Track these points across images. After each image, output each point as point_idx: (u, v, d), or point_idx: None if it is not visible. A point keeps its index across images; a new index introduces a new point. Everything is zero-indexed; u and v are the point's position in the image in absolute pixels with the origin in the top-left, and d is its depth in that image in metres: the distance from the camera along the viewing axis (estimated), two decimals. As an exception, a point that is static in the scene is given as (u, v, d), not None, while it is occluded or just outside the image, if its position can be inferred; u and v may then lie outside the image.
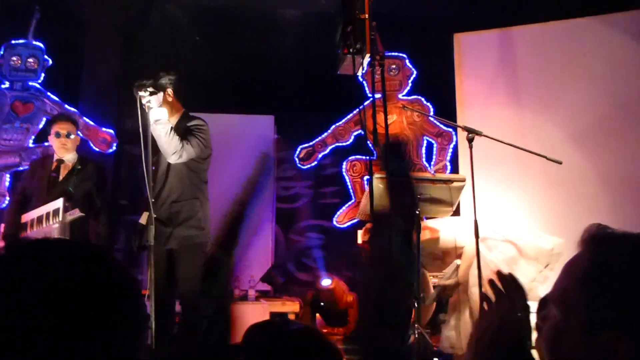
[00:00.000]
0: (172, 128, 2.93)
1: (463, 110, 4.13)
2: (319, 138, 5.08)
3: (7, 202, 4.58)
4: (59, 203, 2.97)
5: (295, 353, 1.25)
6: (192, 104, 3.47)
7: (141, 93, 2.90)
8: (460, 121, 3.95)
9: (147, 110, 2.91)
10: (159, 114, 2.92)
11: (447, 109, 4.25)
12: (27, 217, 3.18)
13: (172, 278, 2.97)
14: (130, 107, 3.19)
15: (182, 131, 3.01)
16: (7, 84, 4.82)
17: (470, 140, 3.08)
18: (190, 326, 2.97)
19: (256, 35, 5.14)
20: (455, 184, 3.05)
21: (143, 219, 2.91)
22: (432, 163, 4.63)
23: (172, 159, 2.94)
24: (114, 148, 4.77)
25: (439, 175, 3.27)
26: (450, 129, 4.67)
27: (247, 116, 5.38)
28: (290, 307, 4.55)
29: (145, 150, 2.88)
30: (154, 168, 2.98)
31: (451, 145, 4.66)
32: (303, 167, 5.15)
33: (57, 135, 3.31)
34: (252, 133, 5.46)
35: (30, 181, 3.34)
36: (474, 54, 4.21)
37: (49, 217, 3.03)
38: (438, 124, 4.71)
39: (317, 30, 4.73)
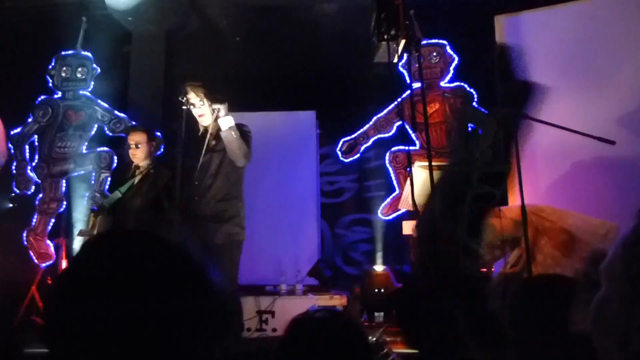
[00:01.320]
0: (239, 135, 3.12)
1: (506, 94, 4.00)
2: (361, 130, 5.06)
3: (64, 207, 4.81)
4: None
5: (334, 346, 1.26)
6: (234, 103, 3.57)
7: (215, 106, 3.09)
8: (503, 105, 3.83)
9: (216, 118, 3.22)
10: (229, 121, 3.17)
11: (492, 95, 4.13)
12: None
13: None
14: (174, 111, 3.35)
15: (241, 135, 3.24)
16: (59, 94, 5.07)
17: (515, 124, 2.98)
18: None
19: (295, 32, 5.17)
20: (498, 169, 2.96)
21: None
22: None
23: (242, 163, 3.17)
24: (161, 150, 4.93)
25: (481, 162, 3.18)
26: (494, 116, 4.53)
27: (289, 113, 5.42)
28: (337, 301, 4.57)
29: (180, 150, 3.11)
30: (202, 168, 3.21)
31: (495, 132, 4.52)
32: (346, 160, 5.14)
33: (129, 146, 3.69)
34: (294, 130, 5.50)
35: (117, 185, 3.69)
36: (516, 36, 4.07)
37: None
38: (482, 110, 4.59)
39: (354, 22, 4.71)
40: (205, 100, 3.26)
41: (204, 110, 3.28)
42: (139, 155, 3.68)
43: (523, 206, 2.79)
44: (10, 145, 4.99)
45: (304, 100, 5.35)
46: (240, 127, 3.29)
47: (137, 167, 3.70)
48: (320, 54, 5.10)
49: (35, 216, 4.82)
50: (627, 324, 0.71)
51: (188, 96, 3.21)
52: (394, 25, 2.27)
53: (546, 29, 3.96)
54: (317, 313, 1.46)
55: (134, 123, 4.76)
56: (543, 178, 3.71)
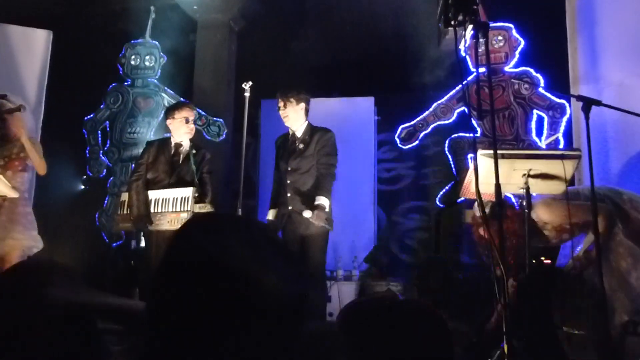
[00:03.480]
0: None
1: (578, 79, 3.83)
2: (420, 117, 4.99)
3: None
4: (189, 192, 3.24)
5: (403, 325, 1.25)
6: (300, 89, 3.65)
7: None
8: (575, 91, 3.67)
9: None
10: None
11: (560, 79, 3.98)
12: (150, 195, 3.47)
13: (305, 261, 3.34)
14: (238, 99, 3.46)
15: (321, 143, 3.46)
16: (129, 82, 5.30)
17: (586, 111, 2.86)
18: (317, 305, 3.30)
19: (355, 19, 5.15)
20: (569, 158, 2.86)
21: (270, 216, 3.46)
22: (544, 137, 4.36)
23: (316, 161, 3.40)
24: (223, 136, 5.06)
25: (551, 150, 3.08)
26: (564, 101, 4.36)
27: (348, 99, 5.43)
28: (394, 287, 4.58)
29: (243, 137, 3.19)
30: (293, 169, 3.41)
31: (564, 118, 4.35)
32: (404, 147, 5.09)
33: (187, 120, 3.54)
34: (352, 116, 5.50)
35: (152, 163, 3.57)
36: (588, 16, 3.87)
37: (177, 204, 3.29)
38: (549, 95, 4.42)
39: (415, 8, 4.64)
40: (288, 104, 3.46)
41: (287, 112, 3.45)
42: (190, 132, 3.55)
43: (593, 192, 2.68)
44: (84, 130, 5.28)
45: (363, 87, 5.34)
46: (317, 129, 3.51)
47: (180, 145, 3.56)
48: (380, 40, 5.06)
49: (107, 198, 5.09)
50: None
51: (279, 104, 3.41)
52: (462, 10, 2.22)
53: (621, 9, 3.74)
54: (382, 299, 1.44)
55: (177, 97, 4.84)
56: (613, 165, 3.55)
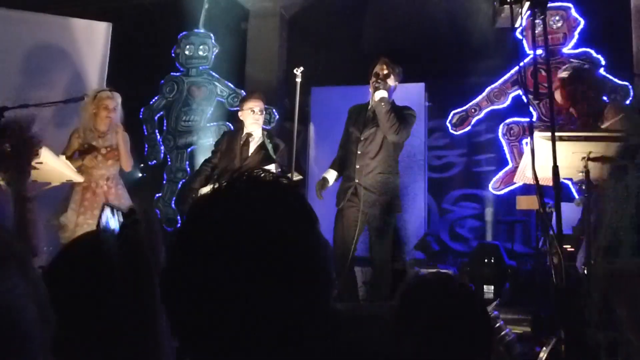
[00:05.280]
0: (390, 108, 3.34)
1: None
2: (473, 102, 4.87)
3: (187, 177, 5.21)
4: (272, 168, 3.33)
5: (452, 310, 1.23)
6: (349, 76, 3.66)
7: (375, 85, 3.38)
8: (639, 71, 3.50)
9: (373, 91, 3.41)
10: (382, 94, 3.37)
11: (623, 60, 3.79)
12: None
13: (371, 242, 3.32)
14: (289, 87, 3.50)
15: (398, 114, 3.42)
16: (183, 71, 5.45)
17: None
18: (381, 287, 3.32)
19: (406, 2, 5.07)
20: (633, 139, 2.73)
21: (329, 175, 3.51)
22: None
23: (390, 136, 3.26)
24: (274, 124, 5.13)
25: (610, 132, 2.94)
26: (626, 83, 4.15)
27: (398, 85, 5.36)
28: (446, 273, 4.53)
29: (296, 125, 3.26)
30: (367, 139, 3.41)
31: (627, 100, 4.15)
32: (456, 132, 5.00)
33: (252, 111, 3.63)
34: (403, 102, 5.43)
35: (225, 152, 3.71)
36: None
37: None
38: (611, 77, 4.22)
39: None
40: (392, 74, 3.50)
41: (387, 80, 3.48)
42: (261, 121, 3.64)
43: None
44: (141, 118, 5.48)
45: (414, 72, 5.26)
46: (399, 107, 3.48)
47: (250, 135, 3.62)
48: (431, 24, 4.97)
49: (164, 184, 5.28)
50: None
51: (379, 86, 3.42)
52: (519, -14, 2.16)
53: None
54: (432, 276, 1.43)
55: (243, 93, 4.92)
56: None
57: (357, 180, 3.33)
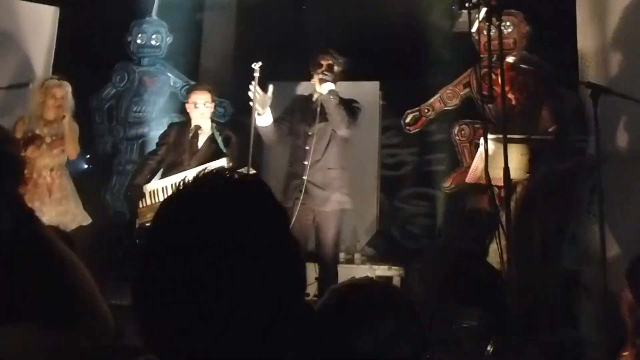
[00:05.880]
0: (340, 102, 3.20)
1: (587, 68, 3.82)
2: (426, 102, 4.98)
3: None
4: (223, 162, 3.25)
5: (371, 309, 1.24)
6: (299, 72, 3.64)
7: (320, 76, 3.22)
8: (584, 79, 3.67)
9: (319, 84, 3.20)
10: (330, 87, 3.29)
11: (568, 67, 3.96)
12: (174, 179, 3.42)
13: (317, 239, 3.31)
14: (245, 80, 3.44)
15: (347, 107, 3.36)
16: (135, 60, 5.28)
17: (595, 99, 2.87)
18: (327, 282, 3.30)
19: (361, 1, 5.11)
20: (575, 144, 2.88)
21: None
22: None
23: (341, 130, 3.21)
24: (229, 118, 5.06)
25: (556, 136, 3.09)
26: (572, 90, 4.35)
27: (352, 83, 5.40)
28: (395, 271, 4.62)
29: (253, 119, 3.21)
30: (317, 136, 3.31)
31: (572, 106, 4.34)
32: (410, 132, 5.09)
33: (196, 104, 3.53)
34: (357, 100, 5.48)
35: (173, 145, 3.58)
36: (603, 4, 3.84)
37: None
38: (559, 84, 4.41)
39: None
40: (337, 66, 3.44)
41: (333, 73, 3.43)
42: (207, 114, 3.54)
43: (601, 188, 2.70)
44: (89, 108, 5.28)
45: (368, 71, 5.31)
46: (346, 99, 3.40)
47: (199, 127, 3.53)
48: (387, 23, 5.02)
49: (114, 177, 5.11)
50: None
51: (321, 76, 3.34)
52: (477, -7, 2.23)
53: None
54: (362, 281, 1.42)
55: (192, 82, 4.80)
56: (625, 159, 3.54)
57: (306, 177, 3.26)
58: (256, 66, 3.28)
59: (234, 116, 5.10)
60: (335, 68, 3.43)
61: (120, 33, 5.28)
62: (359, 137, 5.27)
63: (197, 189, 0.69)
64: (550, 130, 3.05)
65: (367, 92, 5.40)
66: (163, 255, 0.63)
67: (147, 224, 3.50)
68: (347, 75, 5.34)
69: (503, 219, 2.38)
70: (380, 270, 4.64)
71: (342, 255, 4.83)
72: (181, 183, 0.71)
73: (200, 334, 0.60)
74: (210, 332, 0.61)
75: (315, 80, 3.41)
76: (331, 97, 3.28)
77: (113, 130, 5.22)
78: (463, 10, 2.29)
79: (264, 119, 3.32)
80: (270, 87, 3.40)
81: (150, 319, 0.63)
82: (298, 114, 3.43)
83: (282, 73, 5.19)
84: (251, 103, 3.31)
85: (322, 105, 3.34)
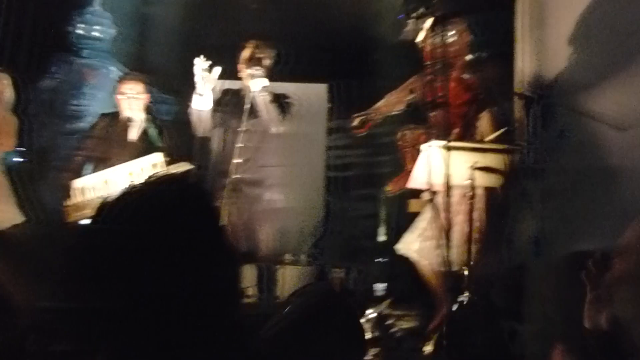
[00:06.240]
0: (273, 98, 3.10)
1: (523, 78, 3.99)
2: (373, 106, 5.07)
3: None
4: (159, 157, 3.10)
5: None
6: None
7: (250, 71, 3.02)
8: (520, 89, 3.84)
9: (249, 79, 3.09)
10: (263, 83, 3.17)
11: (505, 77, 4.14)
12: (103, 175, 3.28)
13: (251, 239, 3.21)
14: (192, 76, 3.35)
15: (279, 103, 3.27)
16: (75, 52, 5.07)
17: (528, 108, 3.02)
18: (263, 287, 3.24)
19: (311, 2, 5.13)
20: (512, 152, 3.02)
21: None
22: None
23: (275, 127, 3.13)
24: (174, 114, 4.95)
25: (495, 144, 3.23)
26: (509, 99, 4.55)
27: (300, 85, 5.42)
28: (339, 273, 4.68)
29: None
30: (249, 133, 3.21)
31: (509, 114, 4.54)
32: (357, 135, 5.16)
33: (125, 94, 3.40)
34: (305, 102, 5.51)
35: (98, 140, 3.46)
36: (540, 18, 4.02)
37: (147, 172, 3.12)
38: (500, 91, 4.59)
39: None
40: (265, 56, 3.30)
41: (265, 62, 3.31)
42: (136, 105, 3.41)
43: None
44: (25, 99, 5.01)
45: (316, 73, 5.34)
46: (277, 94, 3.30)
47: (130, 119, 3.42)
48: (335, 25, 5.08)
49: (49, 172, 4.88)
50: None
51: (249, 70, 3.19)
52: (423, 3, 2.29)
53: (571, 10, 3.87)
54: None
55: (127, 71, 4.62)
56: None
57: (237, 176, 3.15)
58: (200, 61, 3.12)
59: (179, 112, 5.00)
60: (265, 62, 3.30)
61: (60, 23, 5.06)
62: (305, 139, 5.34)
63: (140, 196, 0.69)
64: (487, 138, 3.18)
65: (315, 94, 5.45)
66: (100, 265, 0.62)
67: (78, 222, 3.34)
68: (295, 76, 5.39)
69: (444, 222, 2.46)
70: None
71: (288, 256, 4.84)
72: (127, 189, 0.72)
73: (136, 336, 0.60)
74: (145, 334, 0.60)
75: (244, 75, 3.25)
76: (263, 94, 3.17)
77: (50, 124, 4.99)
78: (410, 20, 2.35)
79: (203, 101, 3.14)
80: (216, 69, 3.23)
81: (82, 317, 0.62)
82: (228, 108, 3.29)
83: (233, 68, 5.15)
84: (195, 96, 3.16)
85: (252, 101, 3.22)
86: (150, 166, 3.07)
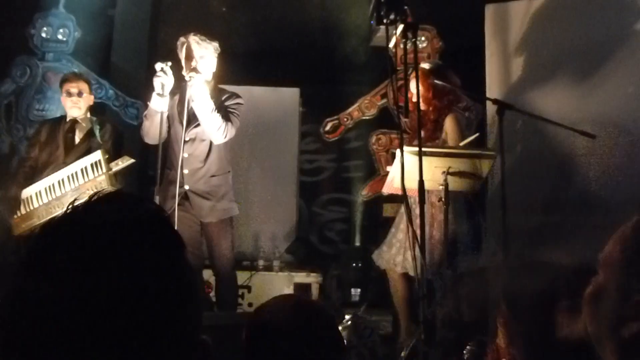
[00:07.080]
0: (214, 107, 2.93)
1: (493, 84, 4.07)
2: (345, 111, 5.08)
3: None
4: (97, 155, 2.99)
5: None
6: (226, 75, 3.48)
7: (187, 74, 2.89)
8: (490, 95, 3.90)
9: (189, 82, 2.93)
10: (193, 91, 2.92)
11: (476, 83, 4.20)
12: (47, 182, 3.15)
13: (210, 250, 3.10)
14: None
15: (220, 109, 2.99)
16: (39, 55, 4.91)
17: (500, 114, 3.05)
18: (226, 296, 3.14)
19: (282, 6, 5.10)
20: (485, 157, 3.04)
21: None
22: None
23: (216, 139, 2.95)
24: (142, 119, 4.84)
25: (468, 149, 3.25)
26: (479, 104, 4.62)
27: (272, 89, 5.38)
28: (314, 278, 4.64)
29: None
30: (194, 142, 3.02)
31: (479, 119, 4.60)
32: (329, 140, 5.16)
33: (68, 93, 3.29)
34: (277, 106, 5.47)
35: (45, 144, 3.30)
36: (507, 25, 4.11)
37: (87, 172, 3.00)
38: (466, 97, 4.66)
39: (346, 3, 4.69)
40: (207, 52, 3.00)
41: (204, 61, 3.00)
42: (81, 104, 3.27)
43: (504, 197, 2.87)
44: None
45: (288, 77, 5.31)
46: (222, 98, 3.07)
47: (76, 121, 3.31)
48: (309, 32, 5.06)
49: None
50: (620, 312, 0.76)
51: (187, 74, 2.93)
52: (394, 10, 2.29)
53: (536, 19, 3.98)
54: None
55: (75, 71, 4.47)
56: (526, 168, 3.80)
57: (187, 187, 2.96)
58: (166, 66, 2.91)
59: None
60: (206, 61, 2.96)
61: (23, 25, 4.90)
62: (277, 143, 5.30)
63: (83, 219, 0.63)
64: (461, 143, 3.20)
65: (287, 98, 5.41)
66: (42, 290, 0.57)
67: (23, 237, 3.18)
68: (268, 80, 5.36)
69: (417, 229, 2.45)
70: (299, 277, 4.64)
71: (260, 263, 4.79)
72: (68, 208, 0.64)
73: None
74: None
75: (185, 77, 2.94)
76: (197, 101, 2.87)
77: (12, 129, 4.82)
78: (381, 26, 2.35)
79: (162, 102, 2.88)
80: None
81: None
82: (174, 115, 3.04)
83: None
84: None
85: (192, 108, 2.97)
86: (89, 166, 2.96)
